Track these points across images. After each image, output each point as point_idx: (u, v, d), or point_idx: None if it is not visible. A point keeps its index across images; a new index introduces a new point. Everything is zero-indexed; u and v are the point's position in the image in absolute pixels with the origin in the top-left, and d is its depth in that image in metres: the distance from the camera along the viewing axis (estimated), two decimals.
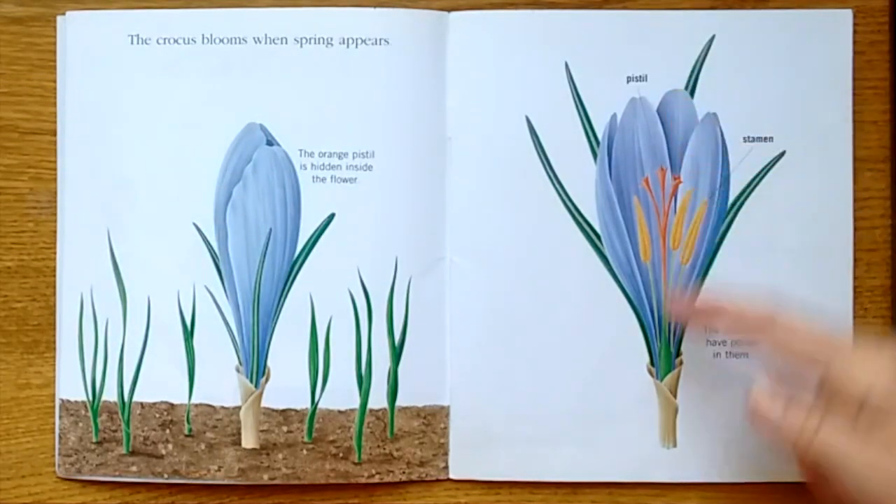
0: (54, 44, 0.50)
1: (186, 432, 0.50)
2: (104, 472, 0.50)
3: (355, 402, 0.49)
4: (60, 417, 0.50)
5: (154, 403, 0.50)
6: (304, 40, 0.49)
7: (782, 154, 0.49)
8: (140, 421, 0.50)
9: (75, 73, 0.50)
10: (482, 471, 0.50)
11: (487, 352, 0.50)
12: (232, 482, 0.50)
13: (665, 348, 0.50)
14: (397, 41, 0.49)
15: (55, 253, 0.50)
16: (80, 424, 0.50)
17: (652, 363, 0.50)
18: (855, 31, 0.49)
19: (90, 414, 0.50)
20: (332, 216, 0.49)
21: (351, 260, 0.49)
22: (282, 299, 0.50)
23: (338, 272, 0.49)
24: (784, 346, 0.41)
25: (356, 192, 0.49)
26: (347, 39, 0.49)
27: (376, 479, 0.49)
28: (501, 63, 0.50)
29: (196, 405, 0.50)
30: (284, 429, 0.49)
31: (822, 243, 0.49)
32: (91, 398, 0.50)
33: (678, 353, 0.49)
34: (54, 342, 0.50)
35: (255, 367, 0.50)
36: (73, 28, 0.50)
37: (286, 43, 0.49)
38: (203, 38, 0.49)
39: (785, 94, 0.49)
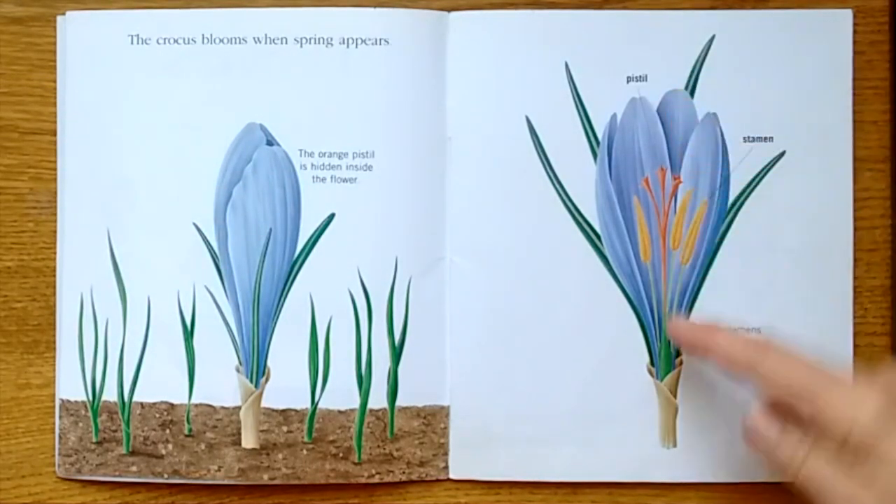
0: (54, 44, 0.50)
1: (186, 432, 0.50)
2: (104, 472, 0.50)
3: (355, 402, 0.49)
4: (60, 417, 0.50)
5: (154, 403, 0.50)
6: (304, 40, 0.49)
7: (782, 154, 0.49)
8: (140, 421, 0.50)
9: (75, 73, 0.50)
10: (482, 471, 0.50)
11: (487, 352, 0.50)
12: (232, 482, 0.50)
13: (665, 348, 0.50)
14: (397, 41, 0.49)
15: (55, 253, 0.50)
16: (80, 424, 0.50)
17: (652, 363, 0.50)
18: (855, 31, 0.49)
19: (90, 414, 0.50)
20: (332, 216, 0.49)
21: (351, 260, 0.49)
22: (282, 299, 0.50)
23: (338, 272, 0.49)
24: (772, 383, 0.42)
25: (356, 192, 0.49)
26: (347, 39, 0.49)
27: (376, 479, 0.49)
28: (501, 63, 0.50)
29: (196, 405, 0.50)
30: (284, 429, 0.49)
31: (822, 243, 0.49)
32: (91, 398, 0.50)
33: (678, 353, 0.49)
34: (54, 342, 0.50)
35: (255, 367, 0.50)
36: (73, 28, 0.50)
37: (286, 43, 0.49)
38: (203, 38, 0.49)
39: (785, 94, 0.49)
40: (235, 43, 0.49)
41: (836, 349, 0.49)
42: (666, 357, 0.50)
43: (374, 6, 0.50)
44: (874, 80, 0.50)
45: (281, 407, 0.49)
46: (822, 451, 0.40)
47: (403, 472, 0.50)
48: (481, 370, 0.50)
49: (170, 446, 0.50)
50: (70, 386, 0.50)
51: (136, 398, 0.50)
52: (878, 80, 0.50)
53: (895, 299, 0.50)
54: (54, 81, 0.50)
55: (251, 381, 0.50)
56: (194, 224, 0.50)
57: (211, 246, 0.50)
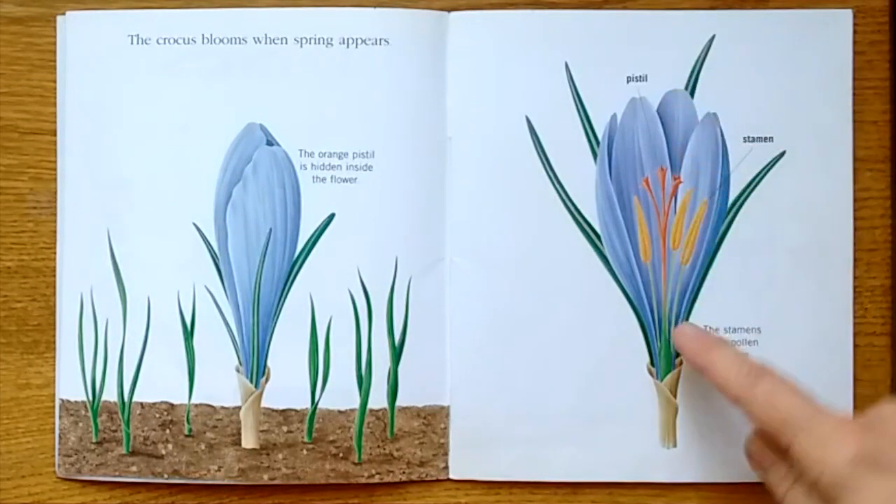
0: (54, 44, 0.50)
1: (186, 432, 0.50)
2: (104, 472, 0.50)
3: (355, 402, 0.49)
4: (60, 417, 0.50)
5: (154, 403, 0.50)
6: (304, 40, 0.49)
7: (782, 154, 0.49)
8: (140, 421, 0.50)
9: (75, 73, 0.50)
10: (482, 471, 0.50)
11: (487, 352, 0.50)
12: (232, 482, 0.50)
13: (665, 348, 0.50)
14: (397, 41, 0.49)
15: (55, 253, 0.50)
16: (80, 424, 0.50)
17: (652, 363, 0.50)
18: (855, 31, 0.49)
19: (90, 414, 0.50)
20: (332, 216, 0.49)
21: (351, 260, 0.49)
22: (282, 299, 0.50)
23: (338, 272, 0.49)
24: (757, 414, 0.42)
25: (356, 192, 0.49)
26: (347, 39, 0.49)
27: (376, 479, 0.49)
28: (501, 63, 0.50)
29: (196, 405, 0.50)
30: (284, 429, 0.49)
31: (822, 243, 0.49)
32: (91, 398, 0.50)
33: (678, 353, 0.49)
34: (54, 342, 0.50)
35: (255, 367, 0.50)
36: (73, 28, 0.50)
37: (286, 43, 0.49)
38: (203, 38, 0.49)
39: (785, 94, 0.49)
40: (235, 43, 0.49)
41: (836, 349, 0.49)
42: (666, 357, 0.50)
43: (374, 6, 0.50)
44: (874, 80, 0.50)
45: (281, 407, 0.49)
46: (799, 487, 0.41)
47: (403, 472, 0.50)
48: (481, 370, 0.50)
49: (170, 446, 0.50)
50: (70, 386, 0.50)
51: (136, 398, 0.50)
52: (878, 80, 0.50)
53: (895, 299, 0.50)
54: (54, 81, 0.50)
55: (251, 381, 0.50)
56: (194, 224, 0.50)
57: (211, 246, 0.50)
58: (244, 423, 0.49)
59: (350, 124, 0.49)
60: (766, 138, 0.49)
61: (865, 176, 0.50)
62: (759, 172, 0.49)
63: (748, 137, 0.49)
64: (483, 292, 0.50)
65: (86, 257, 0.50)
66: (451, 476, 0.50)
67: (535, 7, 0.50)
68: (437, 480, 0.50)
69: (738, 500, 0.50)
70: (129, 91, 0.50)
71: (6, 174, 0.51)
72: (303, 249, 0.49)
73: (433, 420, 0.50)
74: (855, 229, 0.49)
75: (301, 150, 0.49)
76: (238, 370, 0.50)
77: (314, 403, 0.49)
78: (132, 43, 0.50)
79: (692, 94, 0.49)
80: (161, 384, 0.50)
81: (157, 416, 0.50)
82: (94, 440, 0.50)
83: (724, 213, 0.50)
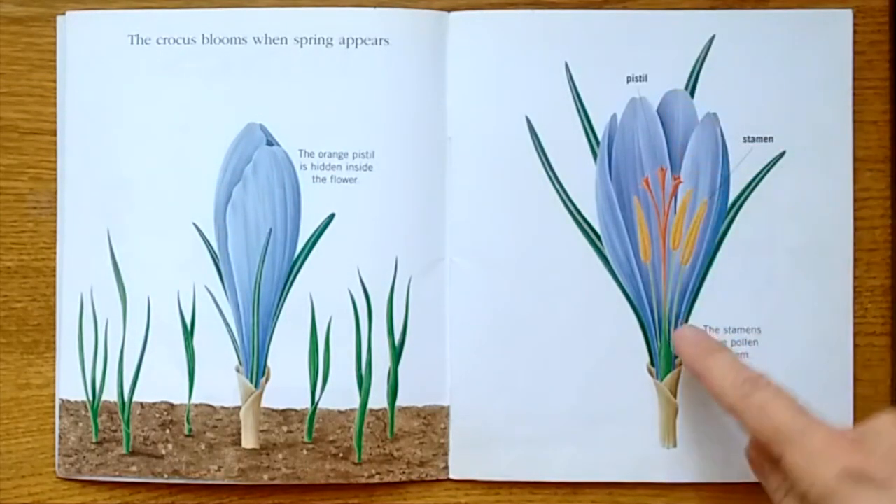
0: (54, 44, 0.50)
1: (186, 432, 0.50)
2: (104, 473, 0.50)
3: (355, 402, 0.49)
4: (60, 417, 0.50)
5: (154, 403, 0.50)
6: (304, 40, 0.49)
7: (782, 154, 0.49)
8: (140, 421, 0.50)
9: (75, 73, 0.50)
10: (482, 471, 0.50)
11: (487, 352, 0.50)
12: (232, 482, 0.50)
13: (665, 348, 0.50)
14: (397, 41, 0.49)
15: (55, 253, 0.50)
16: (80, 424, 0.50)
17: (652, 363, 0.50)
18: (855, 31, 0.49)
19: (90, 414, 0.50)
20: (332, 216, 0.49)
21: (351, 260, 0.49)
22: (282, 299, 0.50)
23: (338, 272, 0.49)
24: (750, 424, 0.42)
25: (356, 192, 0.49)
26: (347, 39, 0.49)
27: (376, 479, 0.49)
28: (501, 63, 0.50)
29: (196, 405, 0.50)
30: (284, 429, 0.49)
31: (822, 243, 0.49)
32: (91, 398, 0.50)
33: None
34: (54, 342, 0.50)
35: (255, 367, 0.50)
36: (73, 28, 0.50)
37: (286, 43, 0.49)
38: (203, 38, 0.49)
39: (785, 94, 0.49)
40: (235, 43, 0.49)
41: (836, 349, 0.49)
42: (666, 357, 0.50)
43: (374, 6, 0.50)
44: (874, 80, 0.50)
45: (281, 407, 0.49)
46: (794, 498, 0.40)
47: (403, 472, 0.50)
48: (481, 370, 0.50)
49: (170, 446, 0.50)
50: (70, 386, 0.50)
51: (136, 398, 0.50)
52: (878, 80, 0.50)
53: (895, 299, 0.50)
54: (54, 81, 0.50)
55: (251, 381, 0.50)
56: (194, 224, 0.50)
57: (211, 246, 0.50)
58: (244, 423, 0.49)
59: (350, 124, 0.49)
60: (765, 138, 0.49)
61: (865, 176, 0.50)
62: (759, 172, 0.49)
63: (748, 137, 0.49)
64: (483, 292, 0.50)
65: (86, 257, 0.50)
66: (451, 476, 0.50)
67: (535, 7, 0.50)
68: (437, 480, 0.50)
69: (737, 500, 0.50)
70: (129, 91, 0.50)
71: (6, 174, 0.51)
72: (303, 249, 0.49)
73: (433, 420, 0.50)
74: (855, 229, 0.49)
75: (301, 150, 0.49)
76: (238, 370, 0.50)
77: (314, 403, 0.49)
78: (132, 43, 0.50)
79: (692, 94, 0.49)
80: (161, 384, 0.50)
81: (157, 416, 0.50)
82: (94, 440, 0.50)
83: (724, 213, 0.50)
